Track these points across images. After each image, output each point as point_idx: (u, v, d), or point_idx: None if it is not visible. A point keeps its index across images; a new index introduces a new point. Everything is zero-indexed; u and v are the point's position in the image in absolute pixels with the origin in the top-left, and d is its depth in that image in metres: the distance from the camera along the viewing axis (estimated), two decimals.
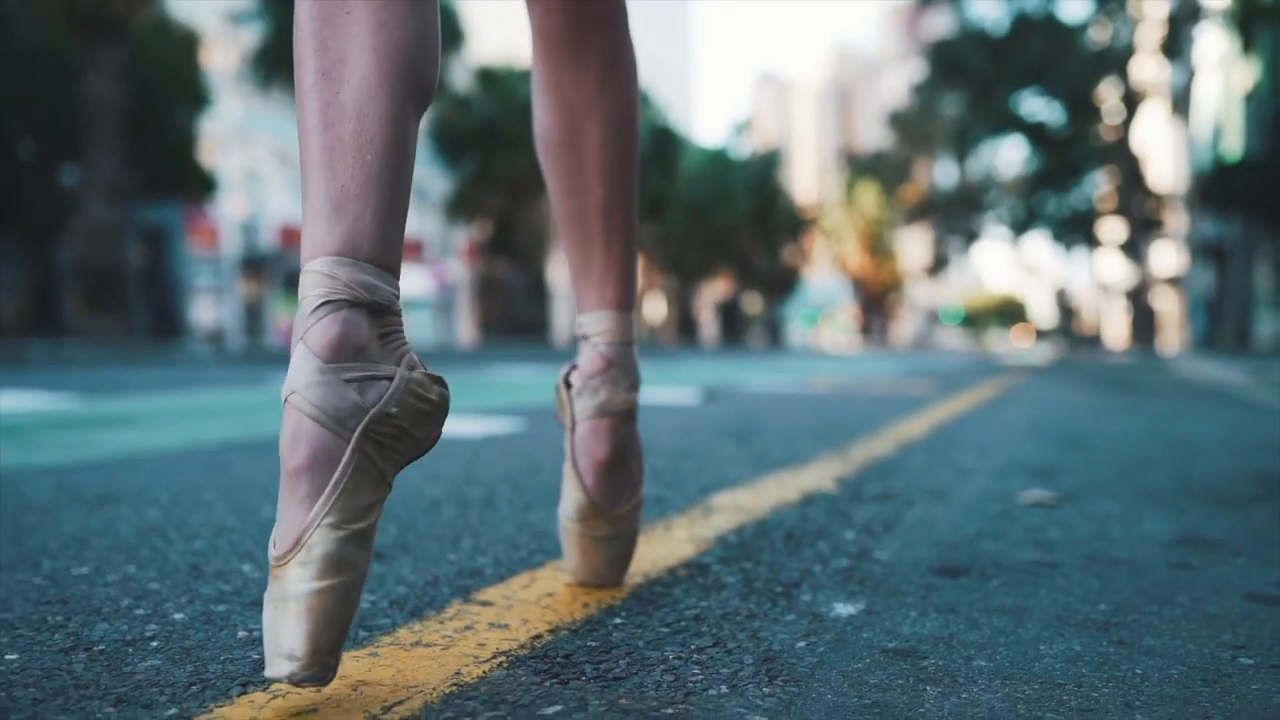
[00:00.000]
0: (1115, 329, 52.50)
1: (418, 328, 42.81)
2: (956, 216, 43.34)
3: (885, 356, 28.11)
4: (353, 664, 1.17)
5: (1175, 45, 31.70)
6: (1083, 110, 34.78)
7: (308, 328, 1.02)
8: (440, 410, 1.09)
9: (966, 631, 1.34)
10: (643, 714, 1.03)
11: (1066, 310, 49.66)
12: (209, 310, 35.29)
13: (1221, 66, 33.44)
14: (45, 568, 1.65)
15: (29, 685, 1.10)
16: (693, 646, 1.26)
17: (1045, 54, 32.99)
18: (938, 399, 6.80)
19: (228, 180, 34.16)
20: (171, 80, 26.39)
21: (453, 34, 31.28)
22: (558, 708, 1.05)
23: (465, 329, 45.97)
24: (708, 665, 1.19)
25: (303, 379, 1.01)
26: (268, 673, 1.00)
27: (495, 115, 36.36)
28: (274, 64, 26.38)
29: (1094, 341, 48.96)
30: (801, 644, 1.28)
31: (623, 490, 1.47)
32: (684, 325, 57.37)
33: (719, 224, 50.56)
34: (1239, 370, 11.48)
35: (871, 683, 1.14)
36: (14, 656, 1.20)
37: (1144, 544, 1.93)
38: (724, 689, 1.11)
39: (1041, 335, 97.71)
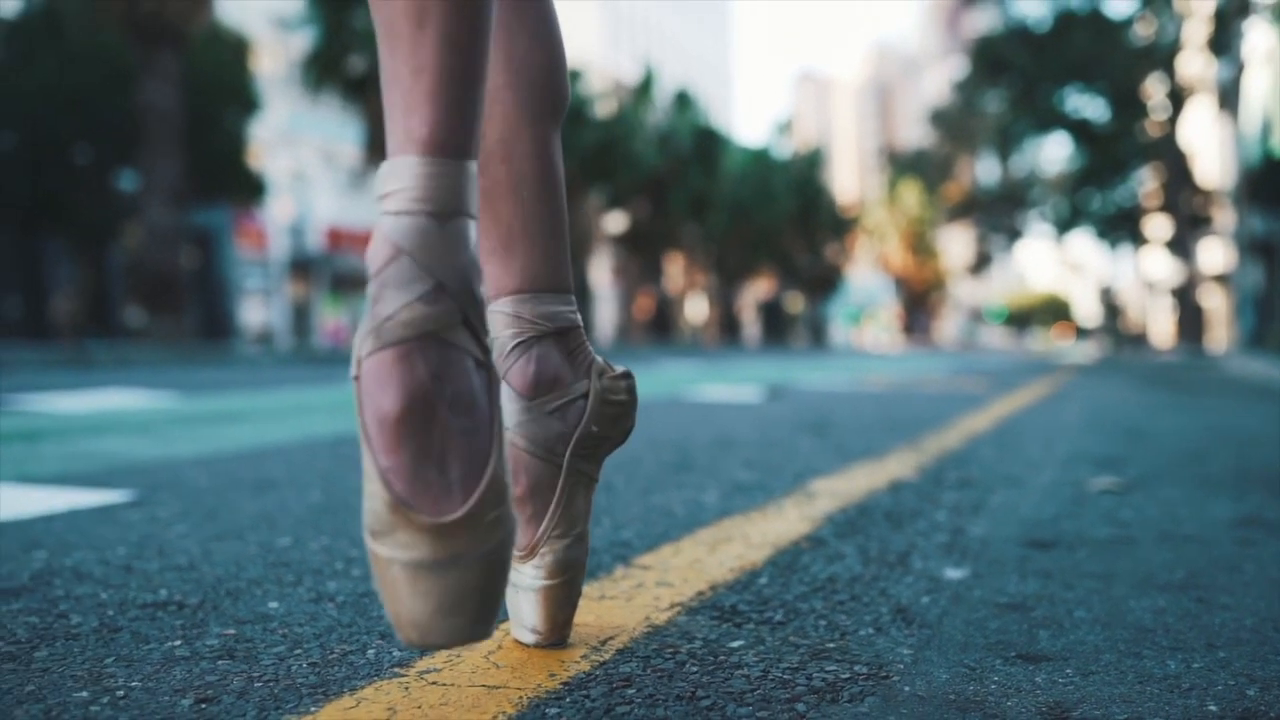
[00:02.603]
0: (1161, 327, 52.20)
1: None
2: (999, 214, 43.22)
3: (931, 355, 28.20)
4: None
5: (1223, 41, 31.52)
6: (1128, 106, 34.63)
7: (507, 368, 1.18)
8: (631, 405, 1.24)
9: (1064, 591, 1.56)
10: (810, 648, 1.26)
11: (1112, 308, 49.39)
12: (257, 311, 35.84)
13: (1270, 61, 33.22)
14: (252, 540, 1.90)
15: (302, 625, 1.35)
16: (834, 600, 1.49)
17: (1090, 50, 32.90)
18: (993, 396, 6.99)
19: (275, 183, 34.69)
20: (222, 85, 26.90)
21: None
22: (740, 642, 1.28)
23: None
24: (852, 613, 1.42)
25: (512, 418, 1.17)
26: (514, 636, 1.25)
27: None
28: (325, 69, 26.77)
29: (1140, 340, 48.70)
30: (925, 599, 1.50)
31: (448, 470, 0.85)
32: (726, 325, 57.51)
33: (761, 223, 50.69)
34: None
35: (992, 627, 1.36)
36: (275, 604, 1.45)
37: (1210, 524, 2.14)
38: (871, 630, 1.34)
39: (1082, 333, 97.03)
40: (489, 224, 1.19)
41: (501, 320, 1.19)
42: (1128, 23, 34.17)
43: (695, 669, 1.17)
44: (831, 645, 1.27)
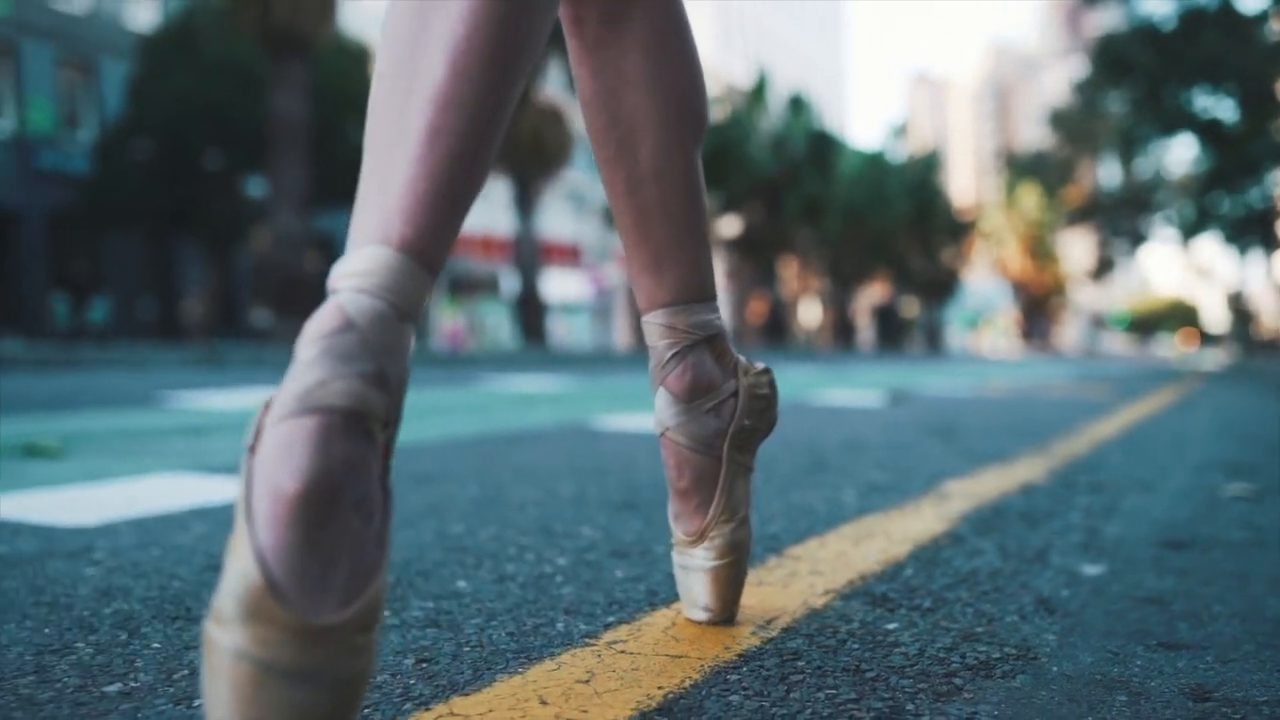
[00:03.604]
0: None
1: (576, 331, 43.71)
2: (1122, 218, 42.21)
3: (1051, 361, 27.69)
4: None
5: None
6: (1261, 106, 33.56)
7: (664, 376, 1.30)
8: (774, 397, 1.36)
9: (1200, 588, 1.63)
10: (960, 631, 1.36)
11: (1241, 314, 47.85)
12: None
13: None
14: (426, 528, 2.06)
15: (492, 601, 1.49)
16: (979, 590, 1.59)
17: (1219, 48, 31.97)
18: (1119, 403, 6.93)
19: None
20: (344, 94, 27.62)
21: None
22: (895, 625, 1.39)
23: (622, 332, 46.72)
24: (996, 602, 1.52)
25: (673, 420, 1.30)
26: (686, 615, 1.37)
27: None
28: None
29: (1271, 346, 47.07)
30: (1065, 592, 1.59)
31: (331, 574, 0.75)
32: (840, 329, 57.12)
33: (876, 227, 50.28)
34: None
35: (1132, 618, 1.45)
36: (463, 584, 1.60)
37: None
38: (1015, 618, 1.43)
39: (1207, 340, 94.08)
40: (639, 242, 1.28)
41: (657, 331, 1.30)
42: (1261, 19, 33.10)
43: (856, 646, 1.28)
44: (980, 630, 1.37)
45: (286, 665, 0.71)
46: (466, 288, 39.35)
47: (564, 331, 42.07)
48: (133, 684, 1.13)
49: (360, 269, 0.83)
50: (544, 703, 1.06)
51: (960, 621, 1.41)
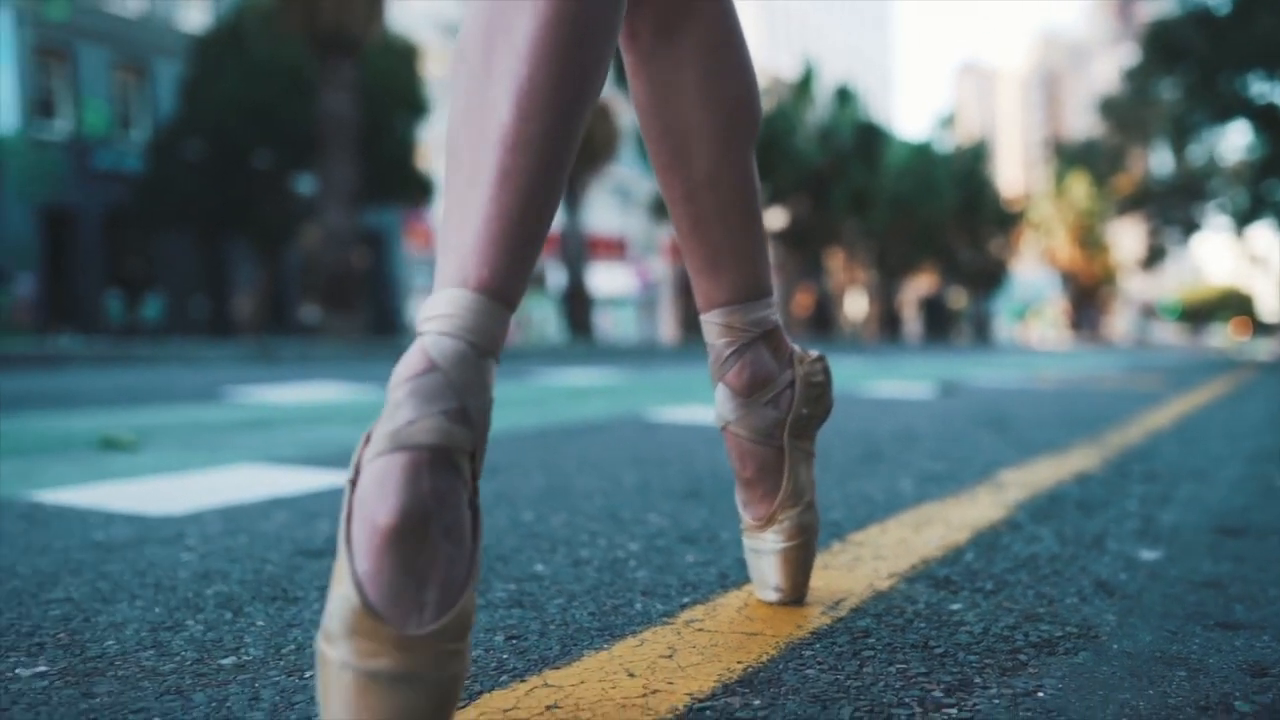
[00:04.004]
0: None
1: (622, 325, 43.81)
2: (1174, 206, 41.69)
3: (1101, 352, 27.44)
4: None
5: None
6: None
7: (724, 372, 1.34)
8: (828, 382, 1.40)
9: (1256, 573, 1.67)
10: (1022, 611, 1.41)
11: None
12: None
13: None
14: (500, 515, 2.13)
15: (571, 584, 1.57)
16: (1039, 574, 1.64)
17: (1275, 32, 31.48)
18: (1172, 394, 6.90)
19: (442, 185, 35.71)
20: (393, 91, 27.85)
21: None
22: (959, 605, 1.44)
23: (667, 326, 46.78)
24: (1056, 585, 1.57)
25: (733, 414, 1.34)
26: (758, 595, 1.42)
27: None
28: None
29: None
30: (1123, 575, 1.64)
31: (425, 592, 0.84)
32: (887, 321, 56.85)
33: (923, 218, 49.97)
34: None
35: (1189, 600, 1.49)
36: (541, 567, 1.67)
37: None
38: (1076, 599, 1.48)
39: (1260, 329, 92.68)
40: (697, 246, 1.32)
41: (715, 330, 1.34)
42: None
43: (923, 625, 1.34)
44: (1041, 610, 1.42)
45: (389, 673, 0.80)
46: None
47: (610, 325, 42.21)
48: (245, 657, 1.21)
49: (441, 312, 0.90)
50: (631, 675, 1.13)
51: (1022, 603, 1.46)
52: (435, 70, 35.67)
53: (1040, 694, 1.09)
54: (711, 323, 1.35)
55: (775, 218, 44.28)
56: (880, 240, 50.26)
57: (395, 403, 0.87)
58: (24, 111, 27.08)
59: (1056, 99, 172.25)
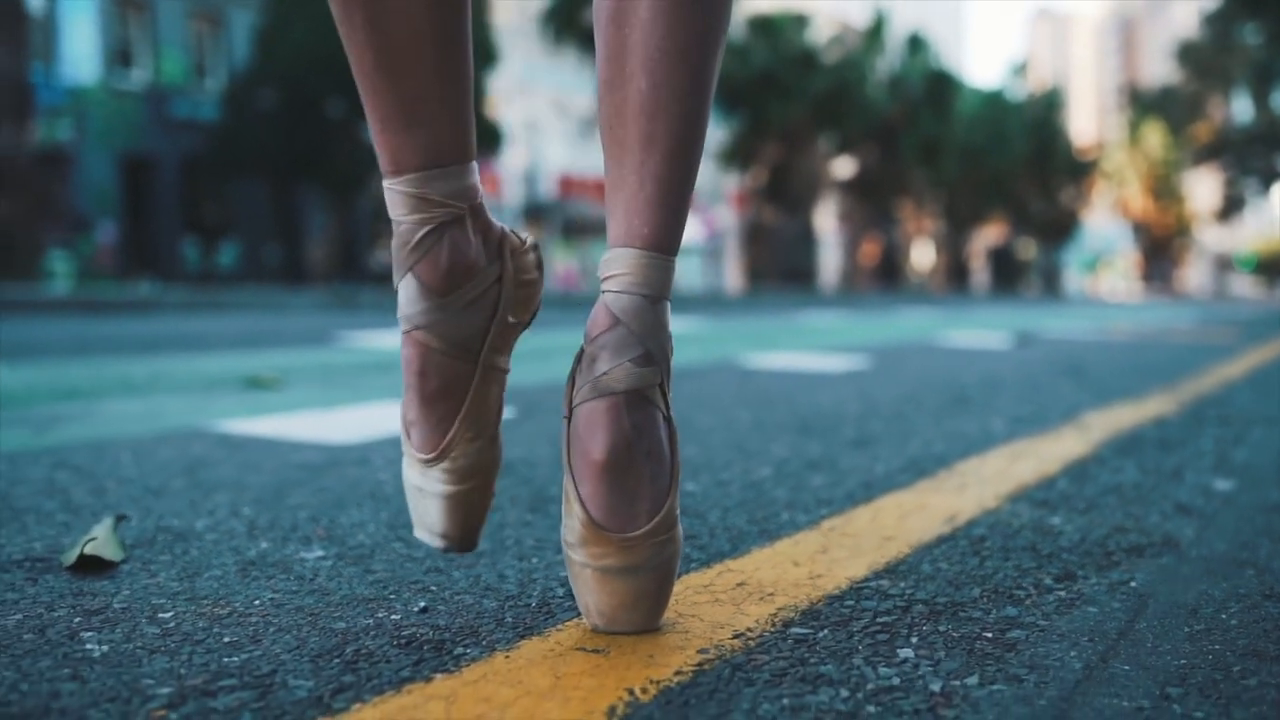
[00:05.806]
0: None
1: (688, 274, 43.98)
2: (1253, 156, 40.96)
3: (1173, 305, 27.21)
4: (811, 544, 1.86)
5: None
6: None
7: (414, 261, 1.07)
8: (540, 281, 1.19)
9: None
10: (1113, 526, 1.66)
11: None
12: None
13: None
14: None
15: (722, 499, 1.84)
16: (1125, 498, 1.88)
17: None
18: (1245, 346, 7.03)
19: (509, 133, 36.01)
20: None
21: None
22: (1057, 520, 1.69)
23: (733, 275, 46.88)
24: (1141, 506, 1.81)
25: (423, 317, 1.07)
26: (417, 535, 1.16)
27: (771, 64, 36.81)
28: (565, 22, 27.66)
29: None
30: (1200, 500, 1.88)
31: (637, 504, 1.05)
32: (954, 272, 56.47)
33: (994, 168, 49.48)
34: None
35: (1259, 521, 1.73)
36: (692, 486, 1.94)
37: None
38: (1159, 518, 1.73)
39: None
40: (387, 87, 1.03)
41: (403, 202, 1.06)
42: None
43: (1029, 533, 1.60)
44: (1129, 525, 1.67)
45: (617, 568, 1.05)
46: (579, 230, 39.86)
47: (676, 274, 42.35)
48: (478, 549, 1.49)
49: (615, 271, 1.08)
50: (796, 564, 1.40)
51: (1112, 519, 1.71)
52: (503, 18, 35.84)
53: (1132, 583, 1.34)
54: (399, 192, 1.06)
55: (843, 167, 44.09)
56: (949, 190, 49.85)
57: (591, 356, 1.06)
58: (104, 61, 27.75)
59: (1133, 45, 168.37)
